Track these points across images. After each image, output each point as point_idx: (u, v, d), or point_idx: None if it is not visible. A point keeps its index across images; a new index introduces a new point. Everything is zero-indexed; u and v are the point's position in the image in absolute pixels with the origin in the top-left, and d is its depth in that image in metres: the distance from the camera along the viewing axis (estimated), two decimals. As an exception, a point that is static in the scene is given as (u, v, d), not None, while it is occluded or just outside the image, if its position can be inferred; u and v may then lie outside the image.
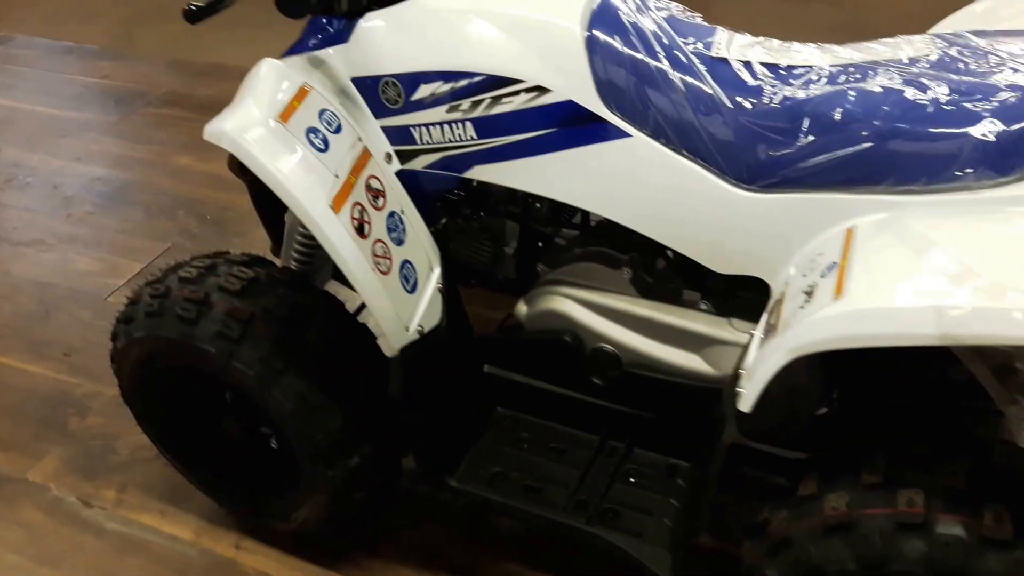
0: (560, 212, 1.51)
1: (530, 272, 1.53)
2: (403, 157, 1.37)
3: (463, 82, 1.26)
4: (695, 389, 1.40)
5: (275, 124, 1.25)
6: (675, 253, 1.31)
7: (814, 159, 1.14)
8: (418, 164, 1.36)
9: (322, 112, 1.30)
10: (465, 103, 1.28)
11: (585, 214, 1.49)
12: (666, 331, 1.39)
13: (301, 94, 1.29)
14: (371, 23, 1.33)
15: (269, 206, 1.57)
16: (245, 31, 2.76)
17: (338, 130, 1.30)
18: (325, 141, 1.28)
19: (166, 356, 1.47)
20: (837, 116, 1.13)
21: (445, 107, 1.29)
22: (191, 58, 3.61)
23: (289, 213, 1.56)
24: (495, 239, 1.51)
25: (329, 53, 1.36)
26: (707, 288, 1.39)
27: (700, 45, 1.27)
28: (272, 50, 1.40)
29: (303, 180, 1.23)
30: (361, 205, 1.28)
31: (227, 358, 1.37)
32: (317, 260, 1.59)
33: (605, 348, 1.44)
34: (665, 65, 1.22)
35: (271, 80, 1.30)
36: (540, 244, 1.54)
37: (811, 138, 1.14)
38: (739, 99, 1.19)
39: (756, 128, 1.18)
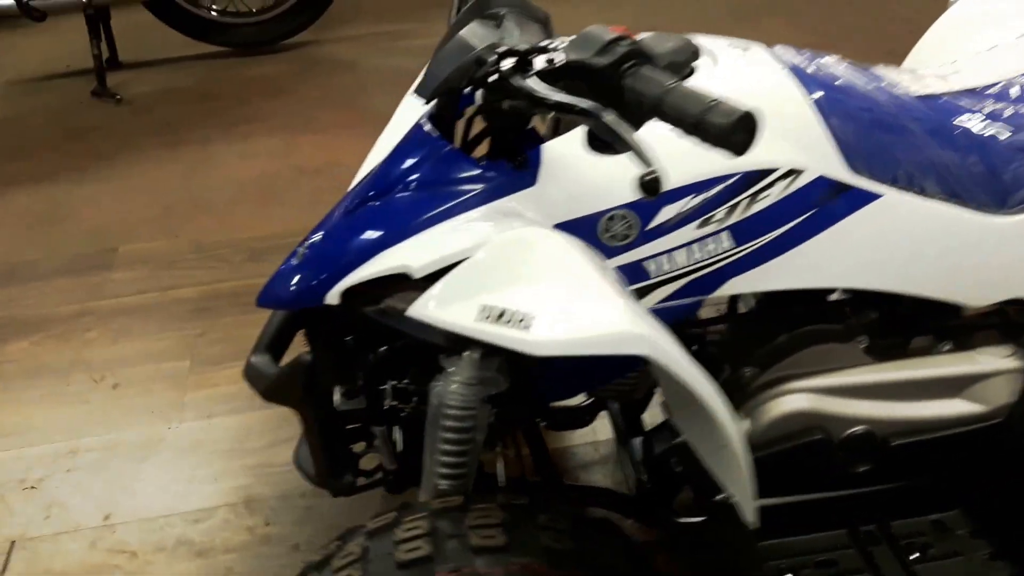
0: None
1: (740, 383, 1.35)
2: None
3: (717, 188, 1.08)
4: (963, 434, 1.30)
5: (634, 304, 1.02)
6: (912, 304, 1.23)
7: None
8: (651, 301, 1.14)
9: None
10: (720, 211, 1.09)
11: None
12: (923, 387, 1.29)
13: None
14: (566, 152, 1.10)
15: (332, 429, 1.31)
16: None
17: None
18: None
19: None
20: None
21: (696, 223, 1.09)
22: None
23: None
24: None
25: (512, 204, 1.11)
26: (945, 330, 1.31)
27: (886, 84, 1.21)
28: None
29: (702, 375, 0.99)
30: None
31: None
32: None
33: (856, 432, 1.30)
34: (893, 111, 1.14)
35: (561, 249, 1.02)
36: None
37: None
38: (982, 129, 1.15)
39: (1006, 152, 1.16)
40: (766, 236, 1.12)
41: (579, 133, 1.12)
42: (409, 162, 1.14)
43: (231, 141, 3.19)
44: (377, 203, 1.14)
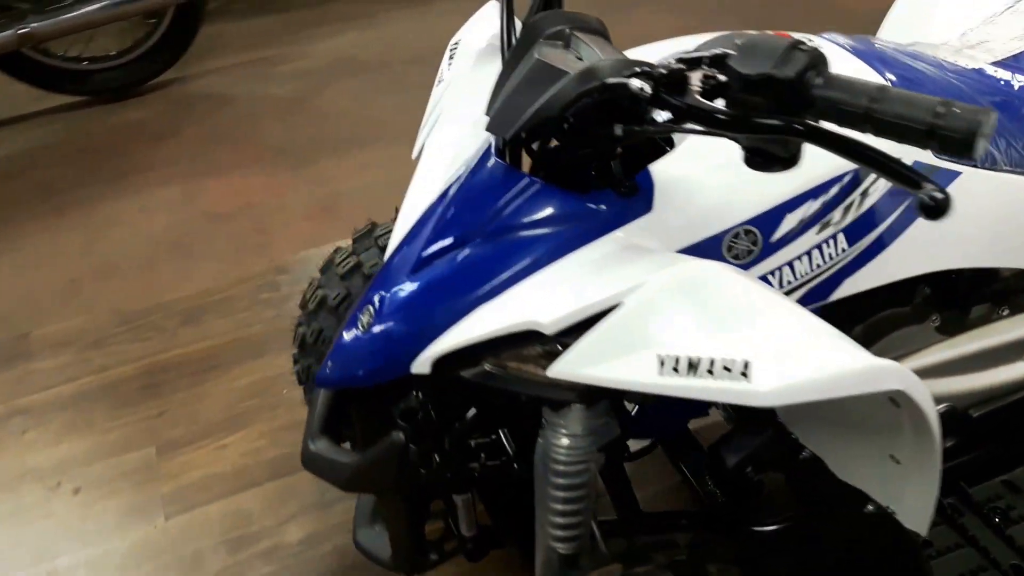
0: None
1: None
2: None
3: (834, 189, 1.03)
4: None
5: None
6: (970, 275, 1.23)
7: None
8: None
9: None
10: (836, 213, 1.04)
11: None
12: (995, 354, 1.30)
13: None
14: (678, 172, 1.02)
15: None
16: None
17: None
18: None
19: None
20: None
21: (815, 228, 1.04)
22: None
23: None
24: None
25: (627, 234, 1.01)
26: (999, 295, 1.32)
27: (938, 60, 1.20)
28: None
29: None
30: None
31: None
32: None
33: (941, 411, 1.29)
34: (957, 85, 1.12)
35: (741, 284, 0.92)
36: None
37: None
38: None
39: None
40: (875, 231, 1.08)
41: (686, 151, 1.04)
42: (491, 203, 1.03)
43: (125, 195, 2.93)
44: (458, 254, 1.03)
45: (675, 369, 0.84)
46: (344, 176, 2.97)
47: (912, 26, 1.58)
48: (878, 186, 1.06)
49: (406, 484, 1.13)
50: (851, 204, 1.05)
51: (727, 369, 0.81)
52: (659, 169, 1.02)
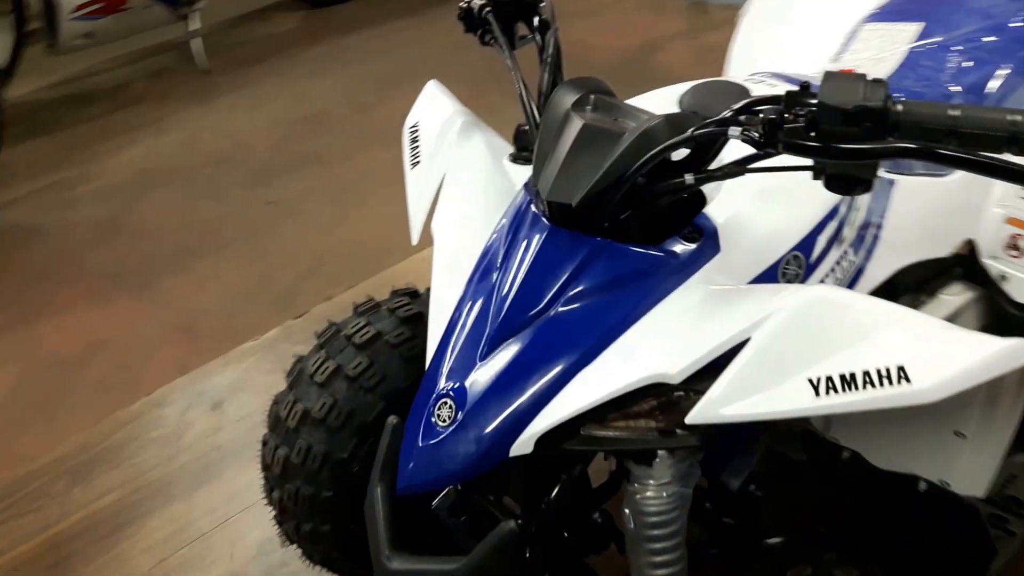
0: None
1: None
2: None
3: (842, 209, 1.18)
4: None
5: None
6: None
7: None
8: None
9: None
10: (845, 229, 1.20)
11: None
12: None
13: None
14: (732, 209, 1.10)
15: None
16: None
17: None
18: None
19: None
20: None
21: (835, 245, 1.19)
22: None
23: None
24: None
25: (705, 277, 1.07)
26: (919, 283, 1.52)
27: None
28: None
29: None
30: None
31: None
32: None
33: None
34: None
35: (857, 298, 1.04)
36: None
37: None
38: None
39: None
40: (867, 237, 1.24)
41: (728, 192, 1.11)
42: (562, 271, 1.06)
43: (-47, 358, 2.66)
44: (536, 328, 1.05)
45: (832, 389, 0.91)
46: (190, 292, 2.86)
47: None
48: (859, 202, 1.21)
49: (529, 570, 1.13)
50: (852, 220, 1.20)
51: (884, 377, 0.90)
52: (719, 209, 1.10)
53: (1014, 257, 1.56)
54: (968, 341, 0.95)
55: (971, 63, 1.52)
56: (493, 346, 1.06)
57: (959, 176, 1.38)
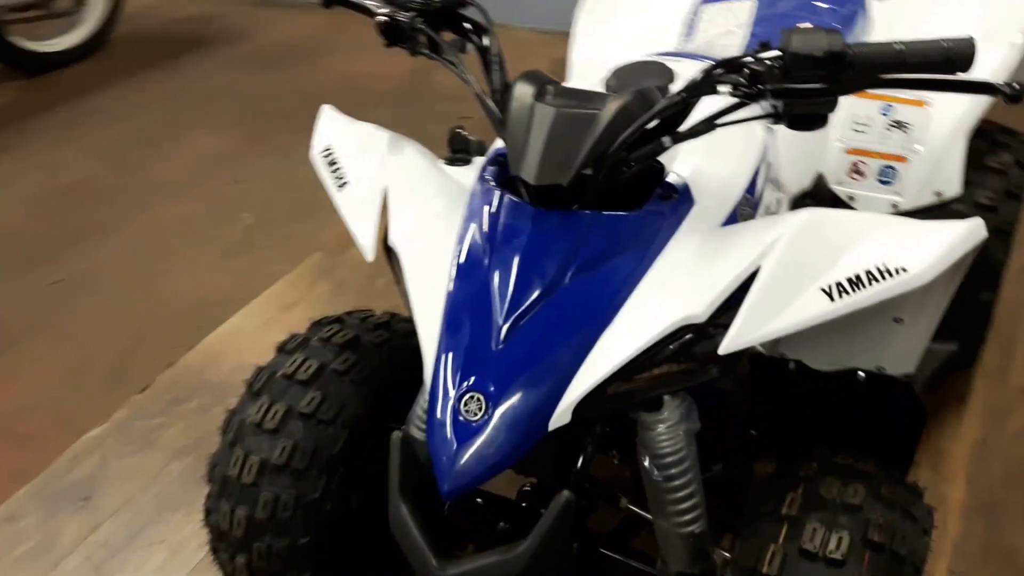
0: None
1: None
2: None
3: (768, 155, 1.37)
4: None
5: None
6: None
7: None
8: None
9: None
10: (768, 168, 1.39)
11: None
12: None
13: None
14: (692, 163, 1.22)
15: None
16: None
17: None
18: None
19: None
20: None
21: (769, 186, 1.36)
22: None
23: None
24: None
25: (689, 228, 1.16)
26: None
27: None
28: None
29: None
30: None
31: None
32: None
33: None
34: None
35: (843, 213, 1.20)
36: None
37: None
38: None
39: None
40: (780, 177, 1.46)
41: (689, 147, 1.19)
42: (562, 248, 1.10)
43: None
44: (549, 306, 1.09)
45: (843, 291, 1.04)
46: (-2, 393, 2.56)
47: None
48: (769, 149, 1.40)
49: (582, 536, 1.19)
50: (771, 162, 1.37)
51: (884, 271, 1.04)
52: (683, 166, 1.20)
53: (857, 180, 1.80)
54: (936, 228, 1.12)
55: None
56: (507, 333, 1.09)
57: None
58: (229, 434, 1.45)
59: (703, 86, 1.06)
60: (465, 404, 1.08)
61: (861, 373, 1.35)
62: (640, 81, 1.28)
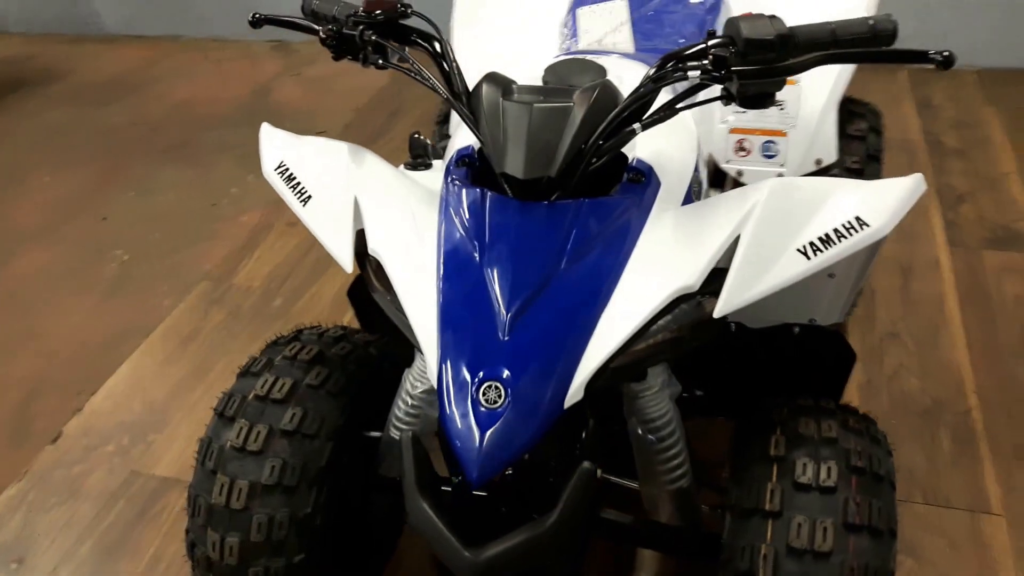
0: None
1: None
2: None
3: (703, 136, 1.60)
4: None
5: None
6: None
7: None
8: None
9: None
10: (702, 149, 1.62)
11: None
12: None
13: None
14: (653, 147, 1.32)
15: None
16: None
17: None
18: None
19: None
20: None
21: (702, 164, 1.56)
22: None
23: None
24: None
25: (662, 202, 1.27)
26: None
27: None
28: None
29: None
30: None
31: None
32: None
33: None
34: None
35: (809, 180, 1.25)
36: None
37: None
38: None
39: None
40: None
41: (644, 135, 1.27)
42: (555, 237, 1.17)
43: None
44: (549, 293, 1.15)
45: (817, 250, 1.14)
46: None
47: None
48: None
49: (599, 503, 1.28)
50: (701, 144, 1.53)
51: (849, 227, 1.15)
52: (642, 151, 1.30)
53: (743, 156, 1.97)
54: (887, 186, 1.24)
55: (682, 18, 1.90)
56: (512, 323, 1.14)
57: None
58: (208, 462, 1.44)
59: (674, 73, 1.16)
60: (483, 393, 1.12)
61: (796, 328, 1.50)
62: (577, 76, 1.37)
